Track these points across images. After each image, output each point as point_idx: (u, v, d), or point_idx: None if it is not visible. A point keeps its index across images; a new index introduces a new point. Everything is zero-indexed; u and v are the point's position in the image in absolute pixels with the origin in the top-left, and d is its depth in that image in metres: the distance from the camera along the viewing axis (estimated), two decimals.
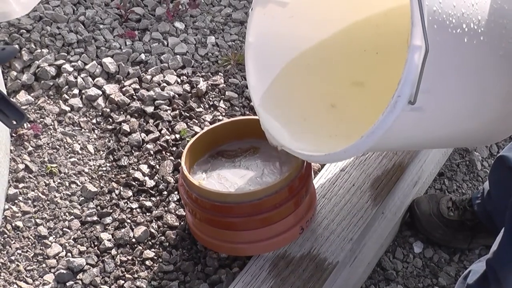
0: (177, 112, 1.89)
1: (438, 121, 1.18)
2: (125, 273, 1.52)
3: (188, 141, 1.66)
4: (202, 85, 1.96)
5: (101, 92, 1.95)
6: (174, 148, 1.80)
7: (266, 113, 1.40)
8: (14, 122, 1.12)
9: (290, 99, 1.47)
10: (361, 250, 1.57)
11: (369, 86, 1.48)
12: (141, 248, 1.56)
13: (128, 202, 1.67)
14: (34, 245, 1.58)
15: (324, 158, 1.23)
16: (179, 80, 2.00)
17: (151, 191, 1.70)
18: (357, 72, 1.50)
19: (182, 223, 1.61)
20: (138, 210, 1.65)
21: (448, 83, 1.11)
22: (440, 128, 1.23)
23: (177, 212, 1.64)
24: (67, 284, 1.50)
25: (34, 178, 1.71)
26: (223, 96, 1.96)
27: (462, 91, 1.16)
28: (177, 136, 1.82)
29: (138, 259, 1.54)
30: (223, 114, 1.91)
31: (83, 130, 1.86)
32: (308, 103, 1.47)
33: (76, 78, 1.97)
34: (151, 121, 1.87)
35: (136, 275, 1.51)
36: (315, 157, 1.29)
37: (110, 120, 1.88)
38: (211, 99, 1.95)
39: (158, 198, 1.68)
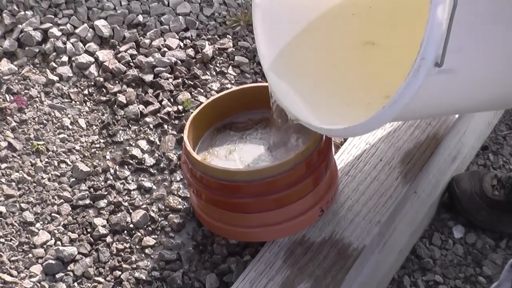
0: (179, 80, 1.90)
1: (474, 83, 1.17)
2: (122, 263, 1.54)
3: (192, 112, 1.67)
4: (208, 49, 1.97)
5: (93, 59, 1.97)
6: (176, 121, 1.81)
7: (277, 77, 1.41)
8: None
9: (303, 64, 1.47)
10: (391, 234, 1.57)
11: (389, 47, 1.47)
12: (140, 234, 1.58)
13: (125, 182, 1.69)
14: (19, 232, 1.60)
15: (344, 132, 1.22)
16: (181, 44, 2.01)
17: (151, 170, 1.71)
18: (374, 32, 1.50)
19: (186, 205, 1.63)
20: (136, 191, 1.67)
21: (483, 37, 1.10)
22: (477, 91, 1.21)
23: (180, 193, 1.65)
24: (57, 276, 1.52)
25: (19, 157, 1.74)
26: (232, 62, 1.96)
27: (502, 45, 1.14)
28: (180, 107, 1.84)
29: (137, 247, 1.56)
30: (232, 81, 1.92)
31: (73, 102, 1.88)
32: (322, 69, 1.47)
33: (65, 43, 1.99)
34: (150, 91, 1.89)
35: (134, 265, 1.53)
36: (333, 131, 1.28)
37: (104, 90, 1.90)
38: (218, 65, 1.96)
39: (159, 177, 1.70)
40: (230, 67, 1.95)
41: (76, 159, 1.75)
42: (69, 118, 1.83)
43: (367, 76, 1.44)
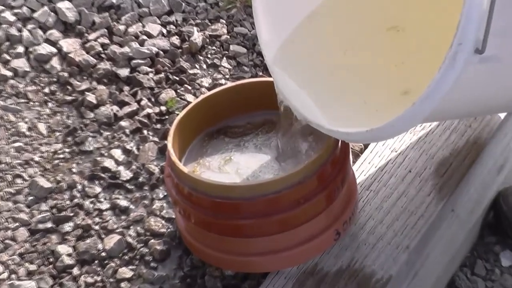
0: (162, 75, 1.92)
1: None
2: None
3: (177, 114, 1.67)
4: (197, 37, 1.98)
5: (56, 50, 1.97)
6: (158, 126, 1.82)
7: (283, 73, 1.41)
8: None
9: (314, 54, 1.47)
10: (423, 262, 1.57)
11: (412, 33, 1.48)
12: (114, 265, 1.58)
13: (96, 201, 1.69)
14: None
15: (366, 136, 1.22)
16: (164, 31, 2.02)
17: (127, 185, 1.72)
18: (398, 14, 1.50)
19: (171, 228, 1.63)
20: (109, 212, 1.67)
21: None
22: None
23: (163, 213, 1.66)
24: None
25: None
26: (227, 52, 1.97)
27: None
28: (163, 108, 1.85)
29: (111, 280, 1.56)
30: (227, 76, 1.92)
31: (31, 103, 1.88)
32: (336, 60, 1.48)
33: (20, 31, 1.99)
34: (126, 88, 1.90)
35: None
36: (353, 135, 1.27)
37: (69, 88, 1.91)
38: (209, 56, 1.97)
39: (137, 194, 1.71)
40: (224, 58, 1.96)
41: (35, 172, 1.75)
42: (26, 123, 1.84)
43: (386, 68, 1.45)
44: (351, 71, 1.46)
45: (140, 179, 1.73)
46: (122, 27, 2.02)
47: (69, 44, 1.98)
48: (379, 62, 1.46)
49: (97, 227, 1.64)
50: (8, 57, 1.95)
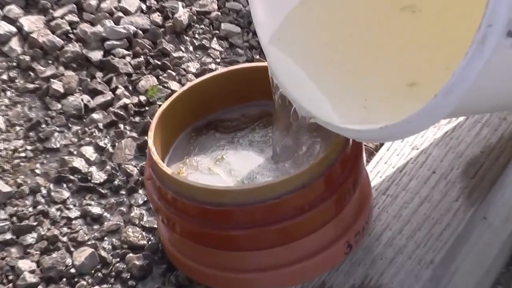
0: (141, 59, 1.92)
1: None
2: None
3: (160, 105, 1.68)
4: (182, 13, 1.98)
5: (15, 30, 1.98)
6: (137, 118, 1.83)
7: (281, 57, 1.42)
8: None
9: (317, 36, 1.48)
10: (450, 280, 1.57)
11: (431, 14, 1.48)
12: (85, 283, 1.58)
13: (64, 208, 1.70)
14: None
15: (379, 134, 1.21)
16: (144, 7, 2.02)
17: (100, 189, 1.73)
18: None
19: (152, 240, 1.64)
20: (80, 220, 1.68)
21: None
22: None
23: (143, 222, 1.67)
24: None
25: None
26: (217, 31, 1.98)
27: None
28: (143, 98, 1.86)
29: None
30: (218, 60, 1.93)
31: None
32: (342, 43, 1.49)
33: None
34: (98, 74, 1.90)
35: None
36: (363, 133, 1.27)
37: (32, 74, 1.92)
38: (197, 36, 1.97)
39: (112, 200, 1.71)
40: (215, 39, 1.97)
41: None
42: None
43: (395, 56, 1.45)
44: (353, 65, 1.46)
45: (116, 182, 1.74)
46: (93, 2, 2.02)
47: (31, 22, 1.99)
48: (388, 48, 1.47)
49: (65, 239, 1.64)
50: None
